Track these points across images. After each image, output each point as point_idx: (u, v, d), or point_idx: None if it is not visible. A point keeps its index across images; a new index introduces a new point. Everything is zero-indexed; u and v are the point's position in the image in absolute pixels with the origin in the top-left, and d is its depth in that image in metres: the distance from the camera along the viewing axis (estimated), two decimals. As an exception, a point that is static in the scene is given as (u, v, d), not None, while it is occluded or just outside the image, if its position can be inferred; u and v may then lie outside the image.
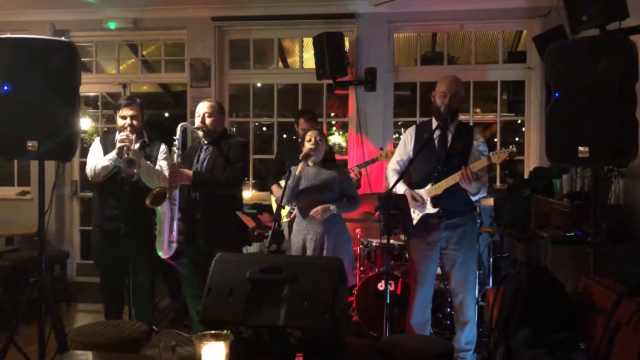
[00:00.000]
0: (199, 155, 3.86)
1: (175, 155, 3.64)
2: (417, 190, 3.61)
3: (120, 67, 6.62)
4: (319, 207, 3.78)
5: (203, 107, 3.80)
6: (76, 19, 6.16)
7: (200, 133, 3.82)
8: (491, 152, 3.40)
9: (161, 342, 1.84)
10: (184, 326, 4.55)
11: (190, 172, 3.68)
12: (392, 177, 3.77)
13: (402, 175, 3.63)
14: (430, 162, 3.59)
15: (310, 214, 3.80)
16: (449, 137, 3.61)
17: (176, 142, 3.66)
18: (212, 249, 3.53)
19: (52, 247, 6.00)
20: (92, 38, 6.43)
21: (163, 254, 3.70)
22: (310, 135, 3.91)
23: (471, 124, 5.28)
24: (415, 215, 3.63)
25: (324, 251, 3.80)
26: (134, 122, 3.80)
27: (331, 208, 3.78)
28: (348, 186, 3.94)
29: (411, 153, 3.72)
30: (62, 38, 3.41)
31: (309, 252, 3.82)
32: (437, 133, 3.62)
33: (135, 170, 3.57)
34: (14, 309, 4.57)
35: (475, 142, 3.59)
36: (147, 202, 3.53)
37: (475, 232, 3.75)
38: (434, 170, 3.55)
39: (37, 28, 5.88)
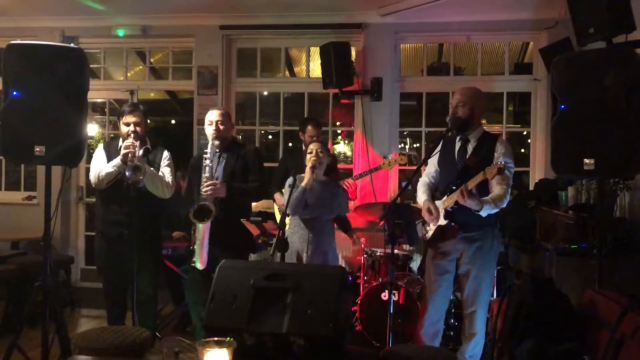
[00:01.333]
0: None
1: (208, 169, 3.68)
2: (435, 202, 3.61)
3: (128, 74, 6.65)
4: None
5: (215, 115, 3.81)
6: (85, 26, 6.20)
7: (216, 142, 3.80)
8: (486, 168, 3.27)
9: (164, 349, 1.84)
10: (187, 333, 4.55)
11: (225, 186, 3.69)
12: (419, 188, 3.79)
13: (407, 186, 3.62)
14: (450, 174, 3.57)
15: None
16: (469, 149, 3.56)
17: (208, 155, 3.71)
18: (220, 256, 3.55)
19: (57, 252, 5.99)
20: (101, 45, 6.47)
21: (201, 265, 3.69)
22: (312, 147, 3.92)
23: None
24: (431, 226, 3.63)
25: (305, 257, 3.83)
26: (138, 129, 3.83)
27: None
28: (343, 203, 4.03)
29: (437, 164, 3.73)
30: (71, 44, 3.44)
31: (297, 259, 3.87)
32: (458, 145, 3.60)
33: (141, 177, 3.60)
34: (19, 313, 4.59)
35: (495, 154, 3.46)
36: (191, 216, 3.59)
37: (494, 249, 3.60)
38: (451, 182, 3.51)
39: (46, 34, 5.92)
